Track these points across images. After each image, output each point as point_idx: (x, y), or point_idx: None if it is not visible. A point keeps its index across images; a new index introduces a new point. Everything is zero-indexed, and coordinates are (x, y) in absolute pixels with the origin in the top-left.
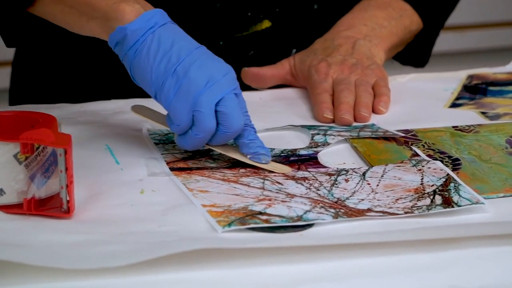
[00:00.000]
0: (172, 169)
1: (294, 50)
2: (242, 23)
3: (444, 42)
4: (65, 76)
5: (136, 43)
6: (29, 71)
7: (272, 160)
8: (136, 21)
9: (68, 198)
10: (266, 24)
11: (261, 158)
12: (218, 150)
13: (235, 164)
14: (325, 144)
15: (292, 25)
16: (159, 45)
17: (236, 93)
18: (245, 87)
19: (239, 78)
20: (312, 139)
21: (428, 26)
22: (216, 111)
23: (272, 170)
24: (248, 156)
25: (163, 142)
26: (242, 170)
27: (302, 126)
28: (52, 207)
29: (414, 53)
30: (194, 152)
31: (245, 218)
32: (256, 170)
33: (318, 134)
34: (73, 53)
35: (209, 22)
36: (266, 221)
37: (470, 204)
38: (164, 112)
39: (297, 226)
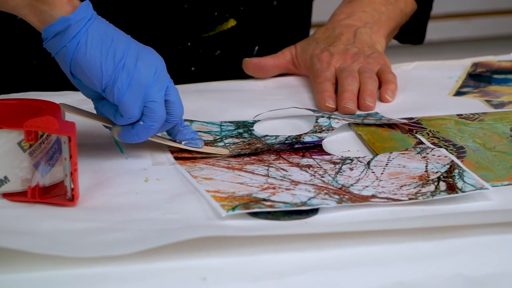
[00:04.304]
0: (176, 158)
1: (256, 47)
2: (208, 23)
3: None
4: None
5: (78, 34)
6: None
7: (239, 147)
8: (78, 11)
9: (72, 186)
10: (232, 23)
11: (198, 142)
12: (154, 140)
13: (240, 153)
14: (330, 128)
15: (255, 23)
16: (101, 38)
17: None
18: (238, 76)
19: (239, 70)
20: (316, 122)
21: (421, 5)
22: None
23: (210, 153)
24: (183, 142)
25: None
26: (247, 158)
27: (307, 109)
28: (56, 195)
29: (411, 32)
30: None
31: (249, 203)
32: (260, 157)
33: (323, 116)
34: None
35: (177, 23)
36: (270, 206)
37: (474, 190)
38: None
39: (302, 213)
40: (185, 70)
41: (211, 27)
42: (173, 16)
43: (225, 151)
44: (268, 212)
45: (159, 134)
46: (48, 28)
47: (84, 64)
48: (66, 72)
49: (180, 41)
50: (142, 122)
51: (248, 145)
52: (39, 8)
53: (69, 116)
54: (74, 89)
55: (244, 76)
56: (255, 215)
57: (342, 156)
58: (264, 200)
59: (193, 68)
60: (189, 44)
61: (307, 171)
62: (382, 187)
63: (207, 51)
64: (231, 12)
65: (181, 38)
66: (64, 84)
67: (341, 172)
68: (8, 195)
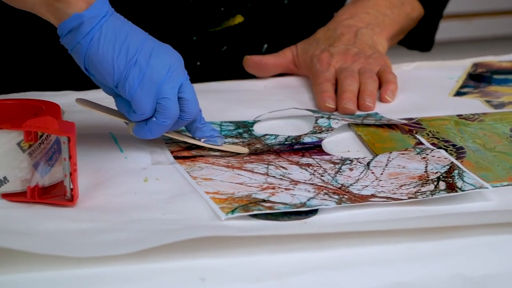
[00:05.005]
0: (176, 157)
1: (265, 45)
2: (215, 18)
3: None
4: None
5: (92, 31)
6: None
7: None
8: (92, 8)
9: (71, 186)
10: (239, 19)
11: (217, 140)
12: (174, 137)
13: (239, 153)
14: (329, 129)
15: (264, 20)
16: (115, 34)
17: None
18: (244, 73)
19: (239, 67)
20: (316, 123)
21: (429, 11)
22: (178, 98)
23: (228, 150)
24: (202, 140)
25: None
26: (246, 157)
27: (306, 109)
28: (55, 195)
29: (419, 38)
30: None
31: (249, 205)
32: (260, 156)
33: (322, 117)
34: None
35: (182, 17)
36: (270, 207)
37: (474, 189)
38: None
39: (301, 213)
40: (190, 65)
41: (218, 23)
42: (179, 10)
43: (245, 150)
44: (268, 212)
45: (179, 131)
46: (62, 24)
47: (97, 60)
48: (82, 68)
49: (186, 35)
50: (154, 119)
51: (248, 145)
52: (55, 6)
53: (69, 116)
54: (74, 89)
55: (250, 76)
56: (254, 215)
57: (341, 157)
58: (264, 201)
59: (198, 63)
60: (194, 38)
61: (306, 170)
62: (382, 186)
63: (213, 46)
64: (238, 8)
65: (187, 32)
66: (64, 84)
67: (340, 172)
68: (8, 196)
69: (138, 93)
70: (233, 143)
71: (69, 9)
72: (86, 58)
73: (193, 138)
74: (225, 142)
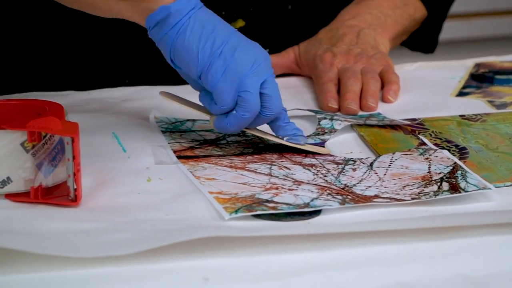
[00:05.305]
0: (179, 157)
1: (267, 50)
2: None
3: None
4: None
5: (179, 22)
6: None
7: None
8: (179, 1)
9: (75, 187)
10: (240, 23)
11: (300, 139)
12: (256, 134)
13: (242, 152)
14: (332, 130)
15: (266, 25)
16: (202, 26)
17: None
18: None
19: None
20: (318, 124)
21: (432, 13)
22: (261, 93)
23: (311, 150)
24: (285, 138)
25: (170, 131)
26: (249, 157)
27: (309, 110)
28: (59, 195)
29: (422, 40)
30: (202, 141)
31: (252, 205)
32: (263, 156)
33: (325, 118)
34: (77, 40)
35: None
36: (273, 208)
37: (477, 190)
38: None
39: (304, 214)
40: None
41: None
42: None
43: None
44: (271, 213)
45: (261, 129)
46: (150, 17)
47: (183, 51)
48: (168, 60)
49: None
50: (234, 111)
51: (251, 144)
52: (141, 7)
53: (72, 117)
54: (77, 89)
55: None
56: (258, 215)
57: (344, 157)
58: (267, 201)
59: None
60: None
61: (310, 170)
62: (385, 187)
63: None
64: (239, 12)
65: None
66: (67, 84)
67: (344, 172)
68: (11, 196)
69: (220, 84)
70: (236, 142)
71: (155, 6)
72: (172, 49)
73: (276, 136)
74: (307, 142)
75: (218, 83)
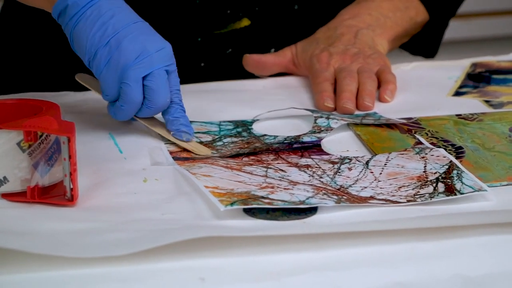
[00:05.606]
0: (175, 158)
1: (272, 50)
2: (220, 20)
3: (448, 30)
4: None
5: (77, 13)
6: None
7: (235, 146)
8: None
9: (71, 186)
10: (245, 22)
11: (183, 135)
12: (145, 124)
13: (238, 153)
14: (328, 129)
15: (271, 25)
16: (98, 16)
17: (168, 70)
18: (248, 75)
19: (244, 70)
20: (315, 123)
21: (434, 17)
22: (144, 85)
23: (192, 150)
24: (171, 133)
25: None
26: (245, 159)
27: (305, 109)
28: (55, 195)
29: (423, 44)
30: (198, 143)
31: (248, 200)
32: (259, 159)
33: (321, 117)
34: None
35: (187, 18)
36: (269, 203)
37: (472, 192)
38: None
39: (300, 213)
40: (194, 65)
41: (223, 25)
42: (184, 11)
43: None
44: (267, 212)
45: (157, 121)
46: (54, 8)
47: (77, 39)
48: (72, 47)
49: (190, 36)
50: (117, 102)
51: (247, 144)
52: None
53: (68, 117)
54: (74, 89)
55: (252, 77)
56: (254, 215)
57: (340, 156)
58: (263, 197)
59: (202, 64)
60: (199, 39)
61: (305, 172)
62: (381, 188)
63: (218, 48)
64: (244, 11)
65: (191, 33)
66: (64, 84)
67: (339, 173)
68: (7, 195)
69: (104, 74)
70: (232, 142)
71: None
72: (71, 39)
73: (167, 130)
74: (195, 141)
75: (102, 73)
